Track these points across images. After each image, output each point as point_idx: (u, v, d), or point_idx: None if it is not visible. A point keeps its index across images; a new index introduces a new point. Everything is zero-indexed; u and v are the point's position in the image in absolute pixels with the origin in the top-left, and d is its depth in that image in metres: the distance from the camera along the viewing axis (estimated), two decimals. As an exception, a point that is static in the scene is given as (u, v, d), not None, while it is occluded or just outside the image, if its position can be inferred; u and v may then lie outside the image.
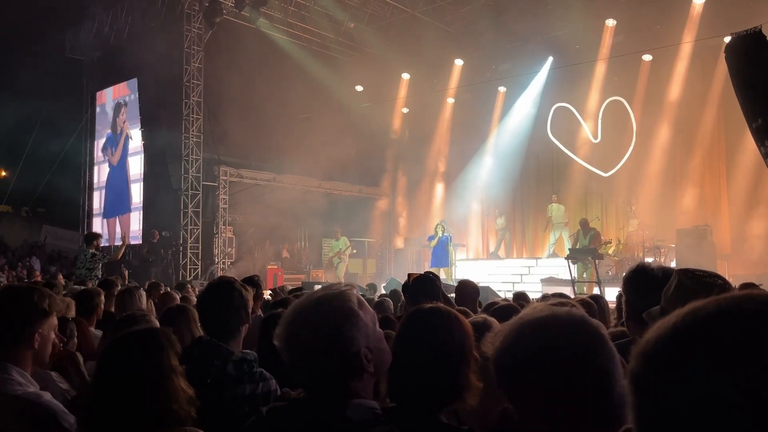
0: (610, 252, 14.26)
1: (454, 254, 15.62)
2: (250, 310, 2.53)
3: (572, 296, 9.16)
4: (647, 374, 0.63)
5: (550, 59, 16.01)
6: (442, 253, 14.51)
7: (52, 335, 2.09)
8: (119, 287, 5.38)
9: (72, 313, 3.86)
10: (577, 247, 12.54)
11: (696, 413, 0.58)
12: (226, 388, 2.28)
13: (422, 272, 4.22)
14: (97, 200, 18.19)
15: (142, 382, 1.70)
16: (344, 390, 1.38)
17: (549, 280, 13.07)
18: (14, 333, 1.99)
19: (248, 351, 2.46)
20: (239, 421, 2.28)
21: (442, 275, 13.62)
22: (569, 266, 12.12)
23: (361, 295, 1.55)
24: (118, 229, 16.78)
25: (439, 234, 14.50)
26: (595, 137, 15.95)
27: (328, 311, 1.38)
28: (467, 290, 4.96)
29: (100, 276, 9.23)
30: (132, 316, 2.76)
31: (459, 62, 17.25)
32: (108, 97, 18.04)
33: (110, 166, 17.44)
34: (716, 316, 0.62)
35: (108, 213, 17.42)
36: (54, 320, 2.09)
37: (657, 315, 1.96)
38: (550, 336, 1.07)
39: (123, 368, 1.72)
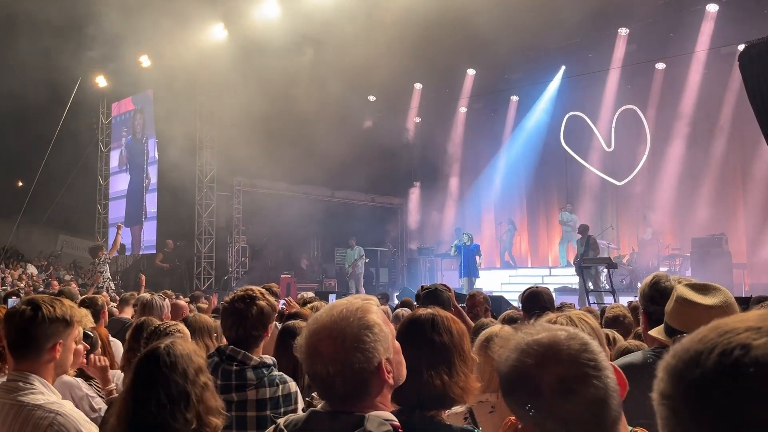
0: (625, 261, 14.17)
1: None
2: (271, 322, 2.63)
3: (585, 306, 9.11)
4: (679, 394, 0.67)
5: (563, 68, 15.99)
6: (471, 262, 14.25)
7: (74, 345, 2.12)
8: (136, 297, 5.43)
9: (88, 324, 3.90)
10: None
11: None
12: (248, 392, 2.42)
13: (435, 283, 4.26)
14: (114, 210, 18.32)
15: (174, 396, 1.71)
16: (364, 402, 1.39)
17: (563, 290, 12.99)
18: (37, 343, 2.02)
19: (266, 356, 2.54)
20: (261, 423, 2.36)
21: (472, 285, 13.49)
22: (583, 274, 12.02)
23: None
24: (141, 236, 16.82)
25: (467, 243, 14.26)
26: (609, 146, 15.87)
27: (350, 324, 1.38)
28: (477, 300, 4.99)
29: (105, 286, 9.22)
30: (163, 329, 2.80)
31: (471, 71, 17.27)
32: (124, 107, 18.25)
33: (130, 174, 17.55)
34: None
35: (129, 221, 17.47)
36: (76, 331, 2.12)
37: (662, 332, 1.98)
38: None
39: (156, 381, 1.73)
